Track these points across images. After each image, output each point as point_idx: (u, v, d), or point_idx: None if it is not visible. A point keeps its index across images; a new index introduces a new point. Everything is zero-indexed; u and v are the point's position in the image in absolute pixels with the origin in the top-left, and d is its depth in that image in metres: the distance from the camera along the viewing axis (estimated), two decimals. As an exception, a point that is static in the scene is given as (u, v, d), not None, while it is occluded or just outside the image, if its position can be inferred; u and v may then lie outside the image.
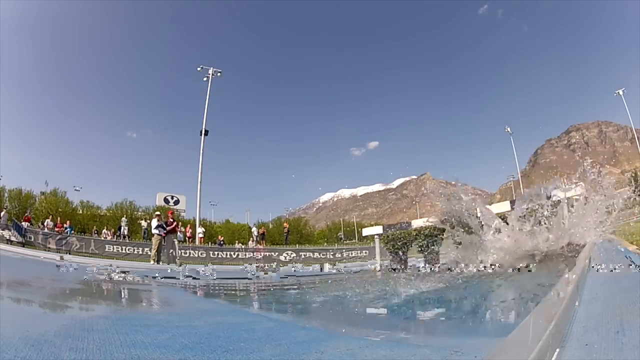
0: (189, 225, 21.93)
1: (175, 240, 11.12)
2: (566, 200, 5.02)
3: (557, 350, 0.59)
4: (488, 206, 5.99)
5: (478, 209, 6.08)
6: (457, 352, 0.99)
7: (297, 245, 24.97)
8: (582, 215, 4.04)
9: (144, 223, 21.76)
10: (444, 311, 1.71)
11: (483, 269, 4.02)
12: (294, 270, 7.85)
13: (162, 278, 5.05)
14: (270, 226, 39.78)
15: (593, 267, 1.83)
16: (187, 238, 20.34)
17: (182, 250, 17.29)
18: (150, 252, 11.65)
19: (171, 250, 10.96)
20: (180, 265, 10.74)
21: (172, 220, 11.46)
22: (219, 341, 1.32)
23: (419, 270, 5.52)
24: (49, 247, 16.10)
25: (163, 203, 25.35)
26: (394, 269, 6.32)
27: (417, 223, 6.66)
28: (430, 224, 6.23)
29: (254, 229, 24.65)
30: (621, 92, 38.33)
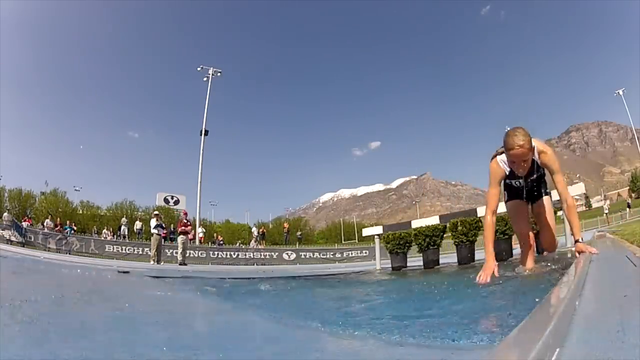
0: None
1: (186, 241, 11.65)
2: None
3: (557, 350, 0.59)
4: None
5: (478, 209, 6.08)
6: (458, 351, 0.99)
7: (297, 245, 24.96)
8: None
9: (138, 223, 21.79)
10: (445, 310, 1.71)
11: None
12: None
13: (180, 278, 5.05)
14: (270, 226, 39.81)
15: (593, 266, 1.83)
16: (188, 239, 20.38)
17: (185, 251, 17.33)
18: (150, 252, 11.73)
19: (184, 251, 11.50)
20: (185, 265, 10.99)
21: (186, 221, 12.02)
22: (219, 341, 1.32)
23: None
24: (49, 247, 16.10)
25: (163, 203, 25.32)
26: (395, 268, 6.32)
27: (417, 223, 6.66)
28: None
29: (254, 229, 24.64)
30: (621, 92, 38.31)
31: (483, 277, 2.29)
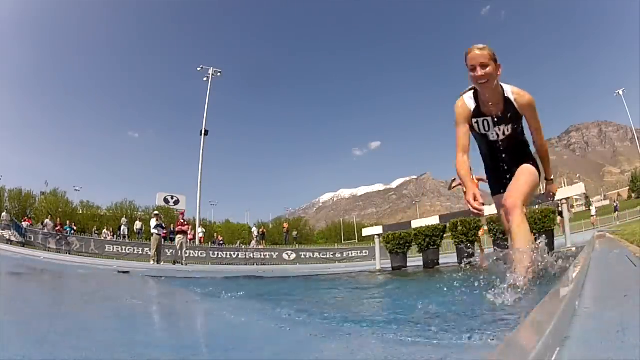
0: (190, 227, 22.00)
1: (183, 241, 11.79)
2: (566, 201, 5.03)
3: (557, 350, 0.59)
4: (487, 206, 5.99)
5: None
6: (458, 350, 0.99)
7: (296, 245, 24.96)
8: None
9: (138, 223, 21.86)
10: (445, 309, 1.71)
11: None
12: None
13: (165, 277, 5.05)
14: (270, 226, 39.81)
15: (593, 266, 1.83)
16: (188, 240, 20.44)
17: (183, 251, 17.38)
18: (150, 252, 11.78)
19: (180, 251, 11.69)
20: (185, 265, 11.14)
21: (183, 221, 12.29)
22: (219, 341, 1.32)
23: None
24: (49, 247, 16.09)
25: (163, 203, 25.33)
26: (395, 268, 6.32)
27: (417, 223, 6.66)
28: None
29: (254, 229, 24.65)
30: (621, 92, 38.33)
31: (472, 204, 1.91)
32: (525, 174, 2.19)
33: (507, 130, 2.18)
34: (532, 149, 2.34)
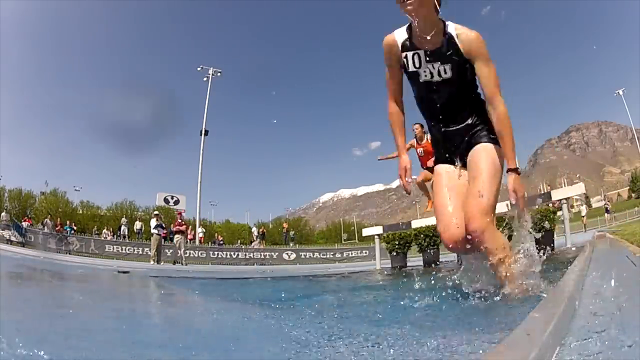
0: (190, 227, 22.01)
1: (182, 241, 11.93)
2: (566, 201, 5.03)
3: (557, 350, 0.59)
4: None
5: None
6: (457, 351, 0.99)
7: (296, 245, 24.96)
8: None
9: (138, 223, 21.91)
10: (443, 308, 1.71)
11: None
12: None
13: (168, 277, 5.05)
14: (270, 226, 39.84)
15: (593, 266, 1.83)
16: (187, 239, 20.46)
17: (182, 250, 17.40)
18: (150, 252, 11.81)
19: (179, 251, 11.85)
20: (185, 265, 11.22)
21: (181, 221, 12.44)
22: (219, 341, 1.32)
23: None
24: (49, 247, 16.08)
25: (163, 203, 25.34)
26: (394, 268, 6.32)
27: (417, 223, 6.65)
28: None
29: (254, 229, 24.66)
30: (621, 92, 38.35)
31: (403, 181, 1.74)
32: (483, 169, 1.67)
33: (445, 71, 1.69)
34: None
